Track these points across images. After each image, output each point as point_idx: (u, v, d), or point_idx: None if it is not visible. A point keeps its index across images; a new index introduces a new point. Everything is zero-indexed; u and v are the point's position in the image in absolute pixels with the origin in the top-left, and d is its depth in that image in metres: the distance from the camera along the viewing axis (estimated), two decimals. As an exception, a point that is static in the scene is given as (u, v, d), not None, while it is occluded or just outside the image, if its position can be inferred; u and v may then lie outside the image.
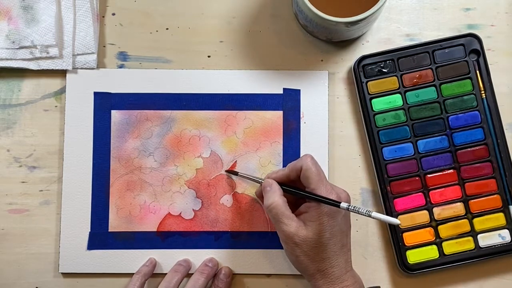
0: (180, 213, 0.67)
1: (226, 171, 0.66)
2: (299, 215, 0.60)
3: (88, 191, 0.66)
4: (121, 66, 0.68)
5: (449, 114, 0.66)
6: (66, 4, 0.67)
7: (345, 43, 0.68)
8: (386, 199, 0.65)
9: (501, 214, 0.65)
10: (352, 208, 0.56)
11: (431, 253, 0.65)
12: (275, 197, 0.59)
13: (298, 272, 0.65)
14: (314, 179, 0.59)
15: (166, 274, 0.65)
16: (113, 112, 0.67)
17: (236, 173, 0.66)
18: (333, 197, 0.58)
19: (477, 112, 0.66)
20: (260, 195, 0.64)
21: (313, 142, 0.66)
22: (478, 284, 0.66)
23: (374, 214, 0.55)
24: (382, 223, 0.66)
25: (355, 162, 0.67)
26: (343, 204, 0.57)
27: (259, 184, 0.65)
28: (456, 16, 0.68)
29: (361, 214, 0.56)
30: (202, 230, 0.66)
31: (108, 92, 0.67)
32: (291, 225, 0.58)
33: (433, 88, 0.66)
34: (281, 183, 0.61)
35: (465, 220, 0.65)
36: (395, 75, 0.66)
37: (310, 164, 0.59)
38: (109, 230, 0.66)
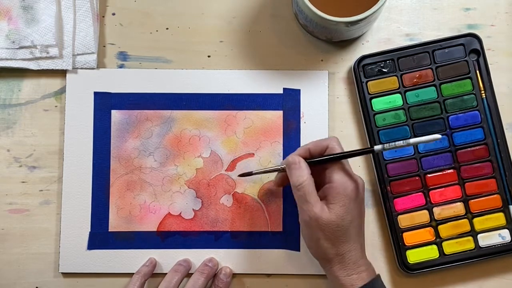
0: (180, 213, 0.67)
1: (239, 175, 0.65)
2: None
3: (88, 191, 0.66)
4: (121, 66, 0.68)
5: (449, 114, 0.66)
6: (66, 4, 0.67)
7: (345, 43, 0.68)
8: (386, 199, 0.65)
9: (501, 214, 0.65)
10: (388, 146, 0.56)
11: (431, 253, 0.65)
12: (304, 176, 0.58)
13: (298, 272, 0.65)
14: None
15: (166, 274, 0.65)
16: (113, 112, 0.67)
17: (250, 174, 0.64)
18: (355, 178, 0.59)
19: (477, 112, 0.66)
20: (280, 182, 0.64)
21: (313, 142, 0.66)
22: (478, 284, 0.66)
23: (412, 140, 0.55)
24: (382, 223, 0.66)
25: (355, 162, 0.67)
26: (377, 147, 0.57)
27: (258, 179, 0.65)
28: (456, 16, 0.68)
29: (399, 147, 0.55)
30: (202, 230, 0.66)
31: (108, 92, 0.67)
32: (317, 206, 0.58)
33: (433, 88, 0.66)
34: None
35: (465, 220, 0.65)
36: (395, 75, 0.66)
37: (336, 146, 0.60)
38: (109, 230, 0.66)
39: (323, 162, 0.60)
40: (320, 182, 0.61)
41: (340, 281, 0.59)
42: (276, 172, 0.64)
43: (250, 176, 0.65)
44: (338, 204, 0.58)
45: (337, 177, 0.58)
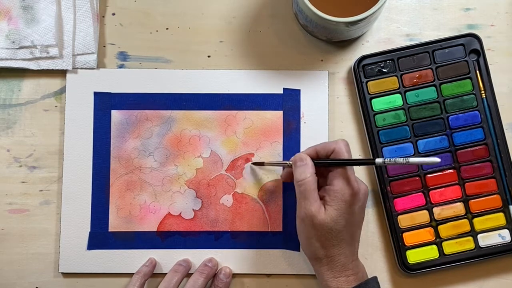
0: (180, 213, 0.67)
1: (252, 163, 0.66)
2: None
3: (88, 191, 0.66)
4: (121, 66, 0.68)
5: (449, 114, 0.66)
6: (66, 4, 0.67)
7: (345, 43, 0.68)
8: (386, 199, 0.65)
9: (501, 214, 0.65)
10: (388, 161, 0.56)
11: (431, 253, 0.65)
12: (308, 173, 0.59)
13: (298, 272, 0.65)
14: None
15: (166, 274, 0.65)
16: (113, 112, 0.67)
17: (262, 164, 0.66)
18: (355, 186, 0.59)
19: (477, 112, 0.66)
20: (286, 177, 0.64)
21: (313, 142, 0.66)
22: (478, 284, 0.66)
23: (412, 159, 0.55)
24: (382, 223, 0.66)
25: (355, 162, 0.67)
26: (378, 160, 0.57)
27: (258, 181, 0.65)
28: (456, 16, 0.68)
29: (399, 164, 0.56)
30: (202, 230, 0.66)
31: (108, 92, 0.67)
32: (314, 205, 0.58)
33: (433, 88, 0.66)
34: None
35: (465, 220, 0.65)
36: (395, 75, 0.66)
37: (344, 150, 0.59)
38: (109, 230, 0.66)
39: (326, 165, 0.60)
40: (322, 182, 0.61)
41: (327, 282, 0.59)
42: (282, 167, 0.65)
43: (250, 176, 0.66)
44: (333, 207, 0.58)
45: (337, 181, 0.59)
